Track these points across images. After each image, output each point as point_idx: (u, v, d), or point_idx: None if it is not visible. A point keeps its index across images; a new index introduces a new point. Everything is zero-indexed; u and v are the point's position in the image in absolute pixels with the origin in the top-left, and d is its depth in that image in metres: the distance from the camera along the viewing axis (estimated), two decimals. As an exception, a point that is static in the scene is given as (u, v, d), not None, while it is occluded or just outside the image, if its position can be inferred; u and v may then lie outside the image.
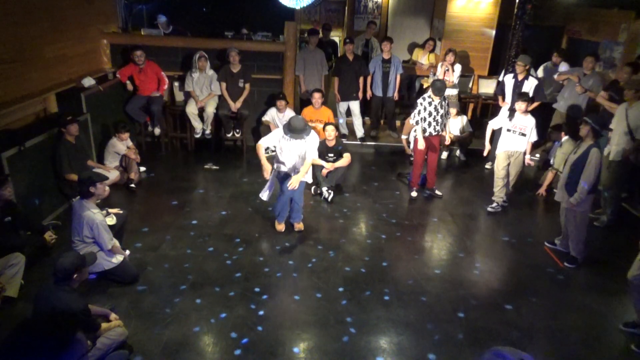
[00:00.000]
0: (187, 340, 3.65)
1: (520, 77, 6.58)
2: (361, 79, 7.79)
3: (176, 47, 7.43)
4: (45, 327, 3.03)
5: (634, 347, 3.78)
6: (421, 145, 5.95)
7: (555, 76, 7.05)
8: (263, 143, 4.97)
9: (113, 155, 6.17)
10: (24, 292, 3.96)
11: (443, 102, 5.89)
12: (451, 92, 7.68)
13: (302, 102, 7.81)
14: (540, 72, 7.51)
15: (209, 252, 4.82)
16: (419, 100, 5.94)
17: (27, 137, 4.89)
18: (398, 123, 8.66)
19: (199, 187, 6.32)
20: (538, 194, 6.44)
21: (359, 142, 8.00)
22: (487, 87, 8.82)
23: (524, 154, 5.76)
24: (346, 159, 6.14)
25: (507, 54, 7.56)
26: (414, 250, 5.07)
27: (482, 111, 9.14)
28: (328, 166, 6.07)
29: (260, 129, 7.43)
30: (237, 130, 7.40)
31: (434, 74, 8.20)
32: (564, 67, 7.32)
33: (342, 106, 7.93)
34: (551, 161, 6.43)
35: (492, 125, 5.99)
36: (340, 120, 8.03)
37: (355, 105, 7.86)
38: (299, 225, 5.29)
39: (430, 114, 5.85)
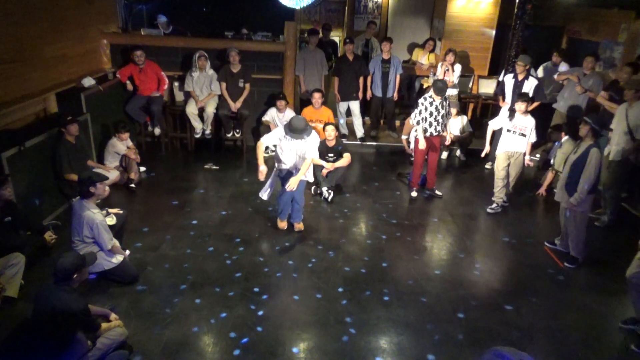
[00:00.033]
0: (187, 340, 3.65)
1: (520, 77, 6.59)
2: (361, 79, 7.79)
3: (176, 47, 7.43)
4: (45, 327, 3.03)
5: (633, 347, 3.78)
6: (422, 145, 5.95)
7: (555, 76, 7.05)
8: (264, 141, 4.96)
9: (113, 155, 6.17)
10: (24, 292, 3.96)
11: (444, 102, 5.89)
12: (451, 92, 7.69)
13: (302, 102, 7.81)
14: (540, 72, 7.51)
15: (209, 252, 4.82)
16: (420, 100, 5.94)
17: (27, 137, 4.89)
18: (397, 123, 8.66)
19: (199, 187, 6.32)
20: (538, 194, 6.44)
21: (359, 142, 8.00)
22: (487, 87, 8.83)
23: (524, 154, 5.75)
24: (346, 159, 6.14)
25: (507, 54, 7.56)
26: (414, 250, 5.07)
27: (482, 111, 9.14)
28: (328, 166, 6.07)
29: (260, 129, 7.42)
30: (237, 130, 7.40)
31: (434, 74, 8.21)
32: (563, 67, 7.33)
33: (342, 106, 7.93)
34: (551, 161, 6.43)
35: (492, 126, 5.99)
36: (341, 121, 8.04)
37: (355, 105, 7.86)
38: (299, 226, 5.30)
39: (431, 114, 5.85)
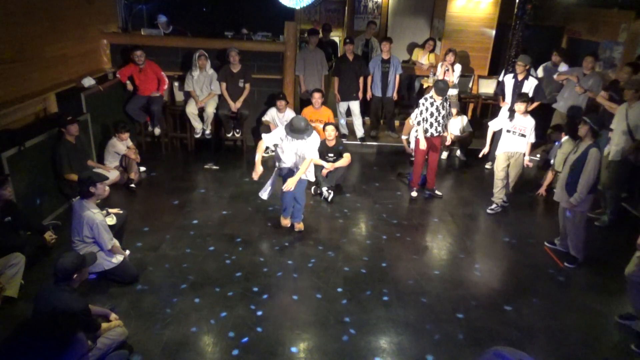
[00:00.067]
0: (187, 340, 3.65)
1: (520, 77, 6.59)
2: (361, 79, 7.79)
3: (176, 47, 7.43)
4: (45, 327, 3.03)
5: (633, 347, 3.78)
6: (423, 145, 5.95)
7: (555, 76, 7.05)
8: (265, 141, 4.95)
9: (113, 155, 6.17)
10: (24, 292, 3.96)
11: (445, 103, 5.90)
12: (451, 92, 7.68)
13: (302, 102, 7.81)
14: (540, 72, 7.51)
15: (209, 252, 4.82)
16: (421, 101, 5.94)
17: (27, 137, 4.89)
18: (397, 123, 8.66)
19: (199, 187, 6.32)
20: (538, 194, 6.44)
21: (359, 142, 8.00)
22: (487, 87, 8.82)
23: (524, 154, 5.75)
24: (346, 159, 6.14)
25: (507, 54, 7.56)
26: (414, 250, 5.07)
27: (482, 111, 9.14)
28: (328, 166, 6.07)
29: (260, 129, 7.41)
30: (237, 130, 7.40)
31: (434, 74, 8.21)
32: (563, 67, 7.32)
33: (342, 106, 7.93)
34: (551, 161, 6.43)
35: (492, 127, 5.98)
36: (341, 121, 8.04)
37: (355, 105, 7.86)
38: (299, 226, 5.30)
39: (432, 115, 5.85)
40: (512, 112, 5.88)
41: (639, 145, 5.34)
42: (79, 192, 4.07)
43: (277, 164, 5.09)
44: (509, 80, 6.71)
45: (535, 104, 6.60)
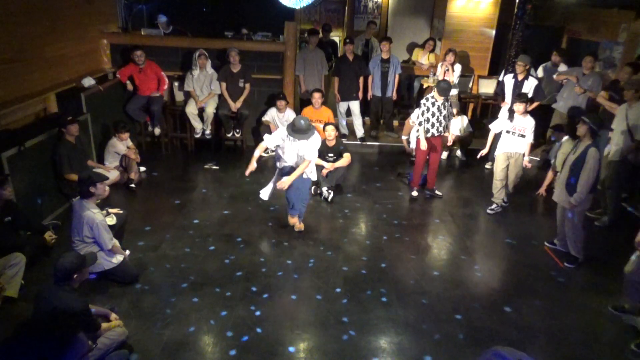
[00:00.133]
0: (187, 340, 3.65)
1: (520, 77, 6.59)
2: (361, 79, 7.79)
3: (176, 47, 7.43)
4: (45, 327, 3.03)
5: (633, 347, 3.78)
6: (423, 145, 5.95)
7: (555, 76, 7.05)
8: (267, 142, 4.95)
9: (113, 155, 6.17)
10: (24, 292, 3.96)
11: (446, 103, 5.90)
12: (451, 92, 7.67)
13: (302, 102, 7.81)
14: (539, 72, 7.51)
15: (209, 252, 4.82)
16: (422, 101, 5.93)
17: (27, 137, 4.89)
18: (396, 123, 8.66)
19: (199, 187, 6.32)
20: (538, 194, 6.42)
21: (359, 142, 8.00)
22: (487, 87, 8.82)
23: (524, 155, 5.74)
24: (346, 159, 6.14)
25: (507, 54, 7.56)
26: (414, 250, 5.07)
27: (482, 111, 9.13)
28: (328, 166, 6.08)
29: (260, 129, 7.42)
30: (237, 130, 7.40)
31: (434, 74, 8.21)
32: (563, 67, 7.32)
33: (342, 106, 7.93)
34: (551, 161, 6.42)
35: (493, 128, 5.97)
36: (341, 121, 8.04)
37: (355, 105, 7.86)
38: (299, 226, 5.29)
39: (433, 115, 5.85)
40: (511, 112, 5.87)
41: (638, 145, 5.35)
42: (79, 192, 4.07)
43: (278, 164, 5.09)
44: (509, 80, 6.71)
45: (535, 104, 6.60)
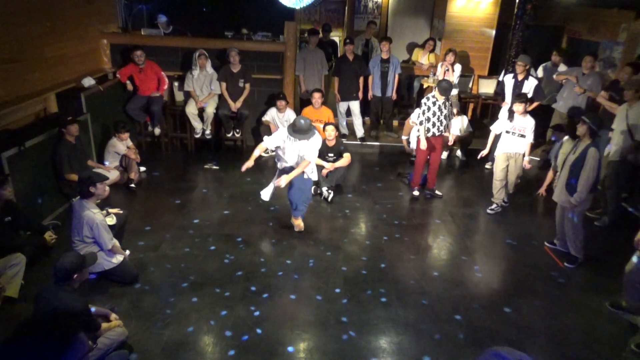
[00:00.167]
0: (187, 340, 3.65)
1: (520, 77, 6.59)
2: (361, 79, 7.79)
3: (176, 47, 7.43)
4: (46, 327, 3.03)
5: (633, 347, 3.78)
6: (423, 145, 5.95)
7: (554, 76, 7.05)
8: (267, 143, 4.95)
9: (113, 155, 6.17)
10: (24, 293, 3.96)
11: (447, 102, 5.90)
12: (451, 92, 7.68)
13: (302, 102, 7.81)
14: (539, 72, 7.51)
15: (209, 252, 4.82)
16: (423, 100, 5.93)
17: (27, 137, 4.89)
18: (396, 123, 8.66)
19: (199, 187, 6.32)
20: (538, 194, 6.42)
21: (359, 142, 8.00)
22: (487, 87, 8.82)
23: (523, 155, 5.73)
24: (346, 159, 6.14)
25: (507, 54, 7.56)
26: (414, 250, 5.07)
27: (482, 111, 9.14)
28: (328, 166, 6.08)
29: (260, 129, 7.43)
30: (237, 130, 7.40)
31: (434, 74, 8.21)
32: (563, 68, 7.32)
33: (342, 106, 7.93)
34: (552, 161, 6.42)
35: (494, 130, 5.96)
36: (341, 121, 8.03)
37: (355, 105, 7.86)
38: (299, 226, 5.28)
39: (434, 114, 5.85)
40: (511, 112, 5.87)
41: (638, 145, 5.35)
42: (79, 192, 4.07)
43: (278, 164, 5.09)
44: (509, 81, 6.71)
45: (535, 104, 6.59)
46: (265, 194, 5.11)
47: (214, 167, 6.90)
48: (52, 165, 5.25)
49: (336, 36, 10.27)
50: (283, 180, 4.79)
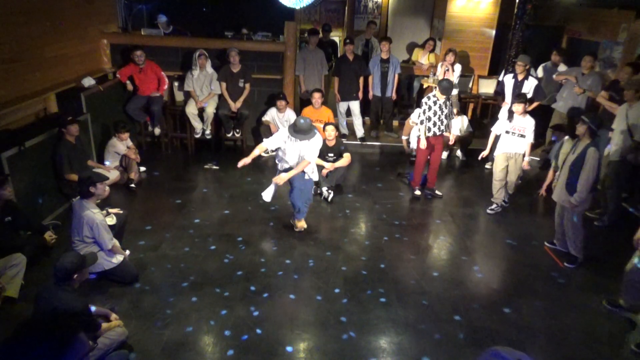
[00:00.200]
0: (187, 340, 3.65)
1: (520, 77, 6.59)
2: (361, 79, 7.79)
3: (176, 47, 7.43)
4: (46, 327, 3.03)
5: (633, 347, 3.78)
6: (423, 145, 5.95)
7: (554, 76, 7.05)
8: (267, 144, 4.95)
9: (113, 155, 6.17)
10: (24, 292, 3.96)
11: (447, 102, 5.90)
12: (452, 91, 7.68)
13: (302, 102, 7.81)
14: (539, 72, 7.51)
15: (209, 252, 4.82)
16: (424, 100, 5.93)
17: (27, 137, 4.89)
18: (396, 123, 8.66)
19: (199, 187, 6.32)
20: (538, 194, 6.42)
21: (359, 142, 8.00)
22: (487, 87, 8.82)
23: (523, 155, 5.73)
24: (346, 159, 6.14)
25: (507, 54, 7.56)
26: (414, 250, 5.07)
27: (482, 111, 9.14)
28: (328, 166, 6.08)
29: (261, 129, 7.43)
30: (237, 130, 7.40)
31: (434, 74, 8.21)
32: (563, 67, 7.32)
33: (342, 106, 7.93)
34: (552, 161, 6.41)
35: (495, 130, 5.95)
36: (341, 121, 8.03)
37: (355, 105, 7.86)
38: (301, 224, 5.28)
39: (435, 114, 5.85)
40: (511, 112, 5.87)
41: (638, 145, 5.35)
42: (79, 192, 4.07)
43: (279, 165, 5.08)
44: (509, 80, 6.71)
45: (535, 104, 6.59)
46: (267, 195, 5.11)
47: (214, 167, 6.90)
48: (52, 165, 5.25)
49: (336, 36, 10.27)
50: (283, 178, 4.78)
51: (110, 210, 4.49)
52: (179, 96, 7.50)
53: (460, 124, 7.44)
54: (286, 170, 4.97)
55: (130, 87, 6.94)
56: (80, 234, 3.98)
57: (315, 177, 5.22)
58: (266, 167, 6.97)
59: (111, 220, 4.35)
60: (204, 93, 7.16)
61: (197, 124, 7.22)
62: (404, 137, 7.51)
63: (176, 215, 5.49)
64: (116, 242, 4.20)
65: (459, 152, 7.77)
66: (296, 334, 3.77)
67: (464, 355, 3.63)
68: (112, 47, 7.22)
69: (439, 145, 6.08)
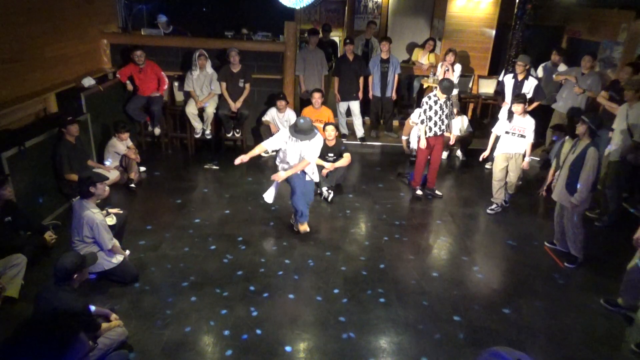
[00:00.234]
0: (187, 340, 3.65)
1: (520, 77, 6.59)
2: (361, 79, 7.79)
3: (176, 47, 7.43)
4: (46, 327, 3.03)
5: (634, 347, 3.78)
6: (423, 144, 5.95)
7: (554, 76, 7.05)
8: (266, 145, 4.94)
9: (113, 155, 6.17)
10: (24, 293, 3.96)
11: (448, 102, 5.90)
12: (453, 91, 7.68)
13: (302, 102, 7.81)
14: (539, 72, 7.51)
15: (209, 251, 4.82)
16: (424, 99, 5.93)
17: (27, 137, 4.89)
18: (396, 123, 8.66)
19: (199, 187, 6.32)
20: (539, 194, 6.42)
21: (359, 142, 8.00)
22: (487, 87, 8.82)
23: (523, 156, 5.72)
24: (346, 159, 6.14)
25: (507, 54, 7.56)
26: (414, 250, 5.07)
27: (482, 111, 9.14)
28: (328, 166, 6.08)
29: (261, 129, 7.43)
30: (237, 130, 7.40)
31: (434, 74, 8.21)
32: (563, 67, 7.32)
33: (342, 106, 7.93)
34: (552, 161, 6.41)
35: (495, 131, 5.95)
36: (341, 121, 8.04)
37: (355, 105, 7.86)
38: (303, 227, 5.27)
39: (435, 113, 5.85)
40: (511, 113, 5.87)
41: (638, 145, 5.35)
42: (79, 192, 4.08)
43: (280, 166, 5.08)
44: (509, 80, 6.71)
45: (535, 104, 6.59)
46: (269, 196, 5.09)
47: (214, 167, 6.90)
48: (52, 165, 5.25)
49: (336, 36, 10.27)
50: (282, 176, 4.77)
51: (110, 210, 4.49)
52: (179, 96, 7.50)
53: (460, 124, 7.44)
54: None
55: (130, 87, 6.94)
56: (80, 234, 3.98)
57: (316, 178, 5.22)
58: (266, 167, 6.98)
59: (111, 220, 4.35)
60: (204, 93, 7.16)
61: (197, 124, 7.22)
62: (404, 137, 7.51)
63: (176, 215, 5.49)
64: (116, 242, 4.20)
65: (459, 152, 7.77)
66: (296, 334, 3.77)
67: (464, 355, 3.63)
68: (112, 47, 7.23)
69: (439, 145, 6.08)
